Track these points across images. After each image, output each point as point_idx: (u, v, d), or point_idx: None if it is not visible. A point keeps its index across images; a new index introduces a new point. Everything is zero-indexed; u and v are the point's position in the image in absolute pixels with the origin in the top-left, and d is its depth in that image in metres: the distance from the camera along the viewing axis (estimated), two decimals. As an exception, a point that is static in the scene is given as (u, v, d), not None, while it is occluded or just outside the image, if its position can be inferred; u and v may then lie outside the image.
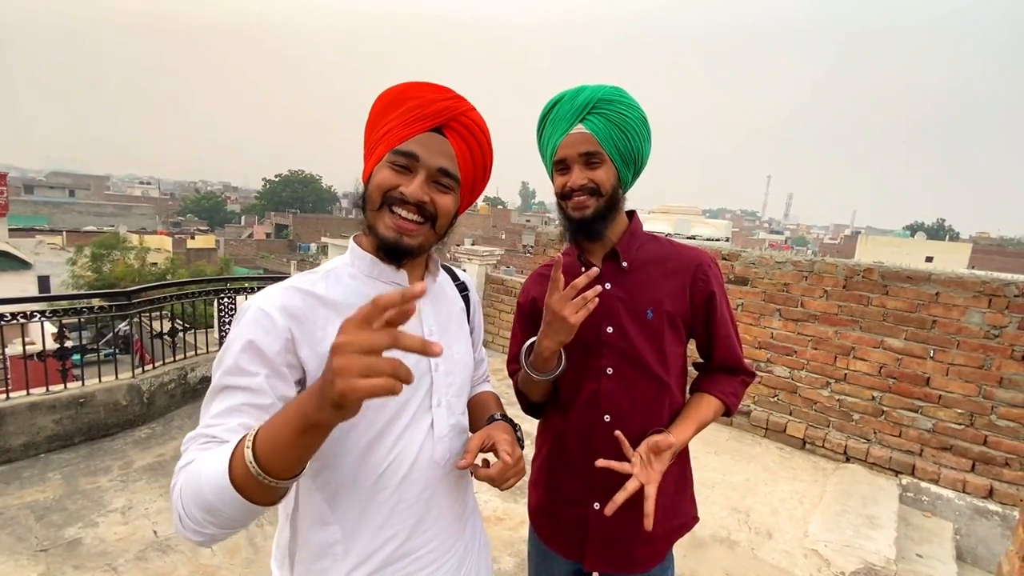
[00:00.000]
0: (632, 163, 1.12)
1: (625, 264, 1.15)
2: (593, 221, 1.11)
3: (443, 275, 0.99)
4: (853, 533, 2.75)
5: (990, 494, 3.12)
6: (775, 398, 3.97)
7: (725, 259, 4.20)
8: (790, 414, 3.90)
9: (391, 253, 0.82)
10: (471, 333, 1.03)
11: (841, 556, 2.57)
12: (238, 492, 0.60)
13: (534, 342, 1.07)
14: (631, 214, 1.20)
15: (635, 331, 1.11)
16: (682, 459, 1.22)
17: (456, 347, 0.94)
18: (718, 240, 5.48)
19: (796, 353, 3.87)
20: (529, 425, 1.22)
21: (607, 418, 1.12)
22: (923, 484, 3.27)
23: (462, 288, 1.05)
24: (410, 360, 0.82)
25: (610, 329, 1.12)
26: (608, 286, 1.14)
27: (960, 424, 3.27)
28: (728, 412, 1.17)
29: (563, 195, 1.11)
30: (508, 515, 2.74)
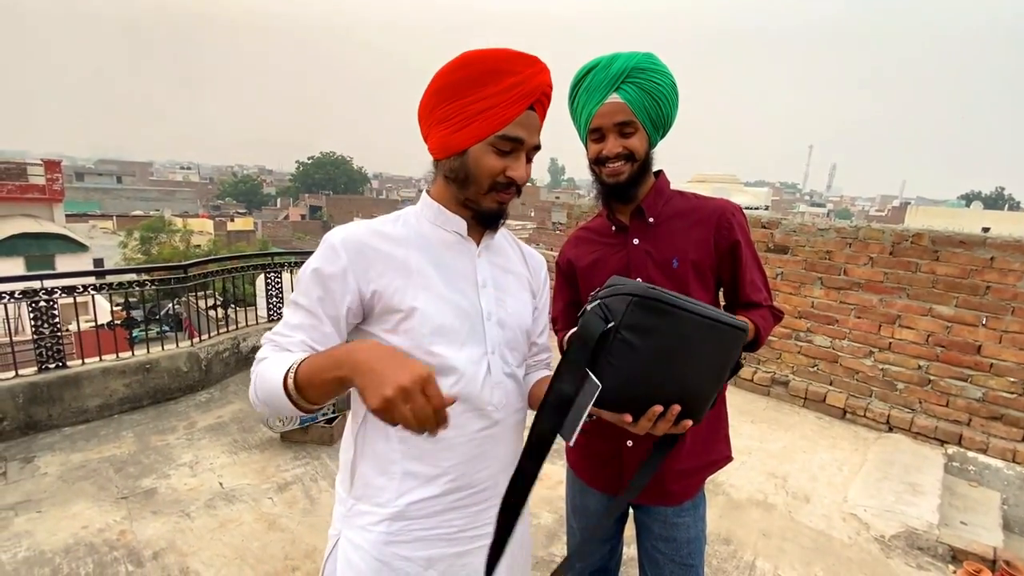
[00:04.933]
0: (661, 127, 1.17)
1: (651, 220, 1.21)
2: (627, 186, 1.17)
3: (506, 236, 1.02)
4: (894, 499, 2.73)
5: (1043, 464, 3.03)
6: (814, 368, 3.91)
7: (764, 227, 4.11)
8: (830, 384, 3.84)
9: (491, 220, 0.92)
10: (534, 298, 1.04)
11: (881, 520, 2.57)
12: (289, 400, 0.75)
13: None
14: (658, 173, 1.25)
15: (662, 281, 1.17)
16: (717, 400, 1.26)
17: (510, 301, 0.96)
18: (757, 208, 5.34)
19: (838, 322, 3.79)
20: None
21: None
22: (970, 454, 3.20)
23: (532, 260, 1.06)
24: (464, 303, 0.89)
25: (639, 281, 1.18)
26: (636, 241, 1.21)
27: (1012, 393, 3.16)
28: (758, 336, 1.18)
29: (597, 161, 1.17)
30: (547, 475, 2.84)
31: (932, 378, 3.43)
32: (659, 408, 0.73)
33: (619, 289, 0.67)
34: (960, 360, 3.32)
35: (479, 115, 0.83)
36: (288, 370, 0.74)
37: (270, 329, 0.87)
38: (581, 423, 0.70)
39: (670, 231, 1.20)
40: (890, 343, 3.57)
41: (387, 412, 0.62)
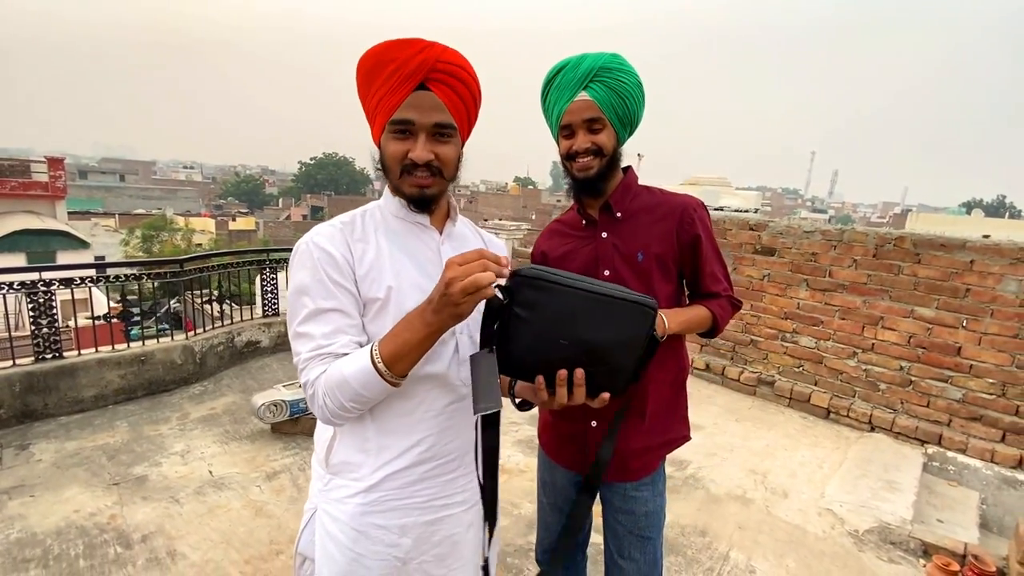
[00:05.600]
0: (628, 125, 1.23)
1: (619, 214, 1.27)
2: (596, 180, 1.23)
3: (467, 224, 1.10)
4: (870, 495, 2.79)
5: (1020, 464, 3.07)
6: (800, 368, 3.96)
7: (752, 229, 4.18)
8: (815, 384, 3.89)
9: (419, 205, 0.96)
10: None
11: (856, 515, 2.62)
12: (386, 384, 0.83)
13: None
14: (626, 169, 1.31)
15: (627, 273, 1.24)
16: (676, 384, 1.33)
17: None
18: (747, 211, 5.41)
19: (822, 323, 3.85)
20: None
21: None
22: (949, 453, 3.25)
23: (493, 246, 1.13)
24: (431, 286, 0.92)
25: (607, 272, 1.26)
26: (604, 235, 1.28)
27: (991, 394, 3.21)
28: (715, 323, 1.27)
29: (568, 156, 1.23)
30: (530, 467, 2.89)
31: (913, 379, 3.48)
32: (564, 372, 0.80)
33: (515, 271, 0.77)
34: (941, 361, 3.38)
35: (377, 107, 0.90)
36: (372, 361, 0.82)
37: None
38: (495, 390, 0.81)
39: (636, 225, 1.27)
40: (873, 344, 3.63)
41: (468, 303, 0.76)
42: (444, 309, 0.77)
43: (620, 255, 1.26)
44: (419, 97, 0.88)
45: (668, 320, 1.17)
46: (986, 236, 3.57)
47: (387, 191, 1.00)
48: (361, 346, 0.89)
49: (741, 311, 4.20)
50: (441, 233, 1.01)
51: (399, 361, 0.82)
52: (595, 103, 1.16)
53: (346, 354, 0.87)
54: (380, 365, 0.81)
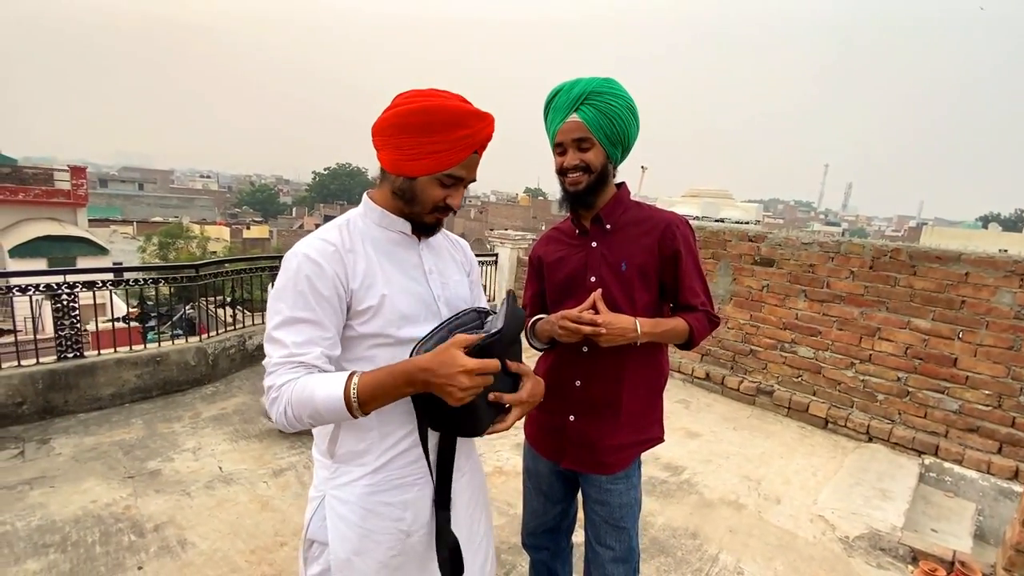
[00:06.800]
0: (619, 144, 1.33)
1: (608, 226, 1.38)
2: (585, 194, 1.34)
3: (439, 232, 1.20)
4: (863, 503, 2.82)
5: (1016, 475, 3.09)
6: (799, 378, 4.00)
7: (752, 241, 4.25)
8: (813, 394, 3.93)
9: (432, 230, 1.09)
10: (468, 276, 1.23)
11: (847, 522, 2.66)
12: (351, 416, 0.91)
13: (539, 319, 1.38)
14: (620, 185, 1.41)
15: (611, 280, 1.34)
16: (653, 389, 1.42)
17: (452, 283, 1.15)
18: (747, 223, 5.47)
19: (821, 334, 3.89)
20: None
21: (585, 349, 1.35)
22: (946, 464, 3.27)
23: (460, 244, 1.26)
24: (419, 290, 1.07)
25: (593, 279, 1.36)
26: (594, 244, 1.38)
27: (987, 405, 3.23)
28: (691, 335, 1.34)
29: (561, 172, 1.34)
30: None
31: (911, 390, 3.51)
32: None
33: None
34: (937, 372, 3.41)
35: (431, 154, 0.99)
36: (346, 391, 0.89)
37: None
38: None
39: (624, 237, 1.37)
40: (870, 355, 3.67)
41: (465, 400, 0.89)
42: (438, 390, 0.89)
43: (606, 263, 1.35)
44: (472, 159, 1.03)
45: (641, 327, 1.26)
46: (1003, 250, 3.60)
47: (367, 200, 1.08)
48: (330, 360, 0.96)
49: (741, 321, 4.27)
50: (420, 239, 1.11)
51: (372, 404, 0.91)
52: (584, 124, 1.27)
53: (316, 367, 0.93)
54: (355, 405, 0.89)
